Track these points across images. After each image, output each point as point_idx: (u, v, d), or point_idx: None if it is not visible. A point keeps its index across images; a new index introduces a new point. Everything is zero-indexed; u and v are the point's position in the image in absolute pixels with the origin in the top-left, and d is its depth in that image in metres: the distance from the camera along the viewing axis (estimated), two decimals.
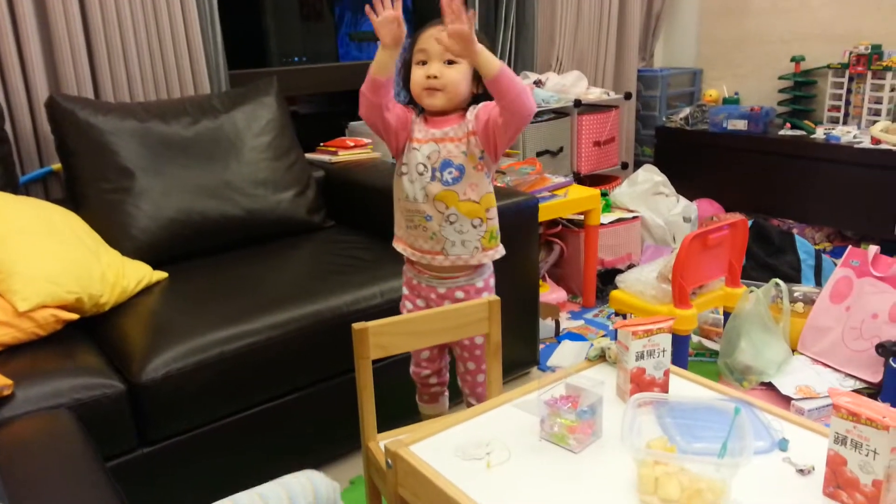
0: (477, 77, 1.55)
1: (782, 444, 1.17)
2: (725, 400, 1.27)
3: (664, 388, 1.31)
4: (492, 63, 1.44)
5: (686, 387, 1.38)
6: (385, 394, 1.57)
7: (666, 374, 1.31)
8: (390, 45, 1.48)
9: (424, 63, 1.56)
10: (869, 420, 0.99)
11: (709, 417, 1.18)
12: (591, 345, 2.69)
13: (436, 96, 1.56)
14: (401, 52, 1.55)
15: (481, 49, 1.43)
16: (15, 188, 2.11)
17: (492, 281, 1.72)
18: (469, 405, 1.79)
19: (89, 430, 1.43)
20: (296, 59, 3.72)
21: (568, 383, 1.24)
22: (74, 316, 1.75)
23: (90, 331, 1.81)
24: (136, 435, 1.63)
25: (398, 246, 1.71)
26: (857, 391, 2.23)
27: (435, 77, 1.54)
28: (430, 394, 1.83)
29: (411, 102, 1.65)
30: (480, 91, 1.58)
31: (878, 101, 3.56)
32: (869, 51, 3.53)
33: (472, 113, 1.57)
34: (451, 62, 1.54)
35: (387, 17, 1.48)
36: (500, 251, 1.69)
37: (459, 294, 1.66)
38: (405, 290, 1.76)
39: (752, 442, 1.05)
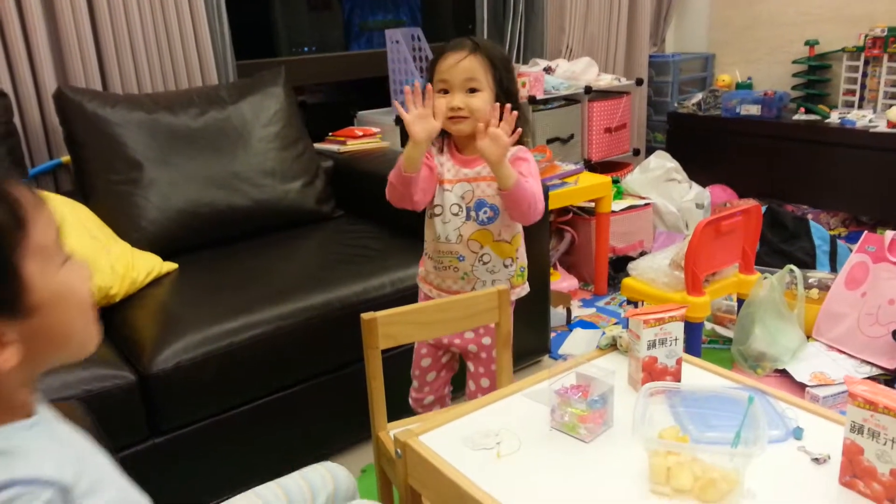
0: (498, 99, 1.55)
1: (797, 433, 1.15)
2: (739, 388, 1.26)
3: (676, 376, 1.30)
4: (510, 177, 1.46)
5: (699, 375, 1.36)
6: (395, 383, 1.57)
7: (678, 362, 1.29)
8: (423, 142, 1.48)
9: (446, 91, 1.55)
10: (886, 409, 0.97)
11: (722, 406, 1.16)
12: (603, 333, 2.67)
13: (462, 122, 1.55)
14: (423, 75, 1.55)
15: (507, 163, 1.46)
16: (24, 181, 2.11)
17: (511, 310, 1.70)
18: None
19: (100, 421, 1.43)
20: (304, 48, 3.71)
21: (579, 372, 1.23)
22: None
23: (100, 322, 1.81)
24: (148, 426, 1.63)
25: (423, 286, 1.71)
26: (872, 378, 2.20)
27: (459, 108, 1.54)
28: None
29: None
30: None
31: (895, 84, 3.50)
32: (885, 33, 3.47)
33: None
34: (472, 90, 1.54)
35: (419, 113, 1.48)
36: (525, 288, 1.70)
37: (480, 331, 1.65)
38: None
39: (766, 431, 1.04)
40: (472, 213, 1.58)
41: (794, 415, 1.21)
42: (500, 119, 1.46)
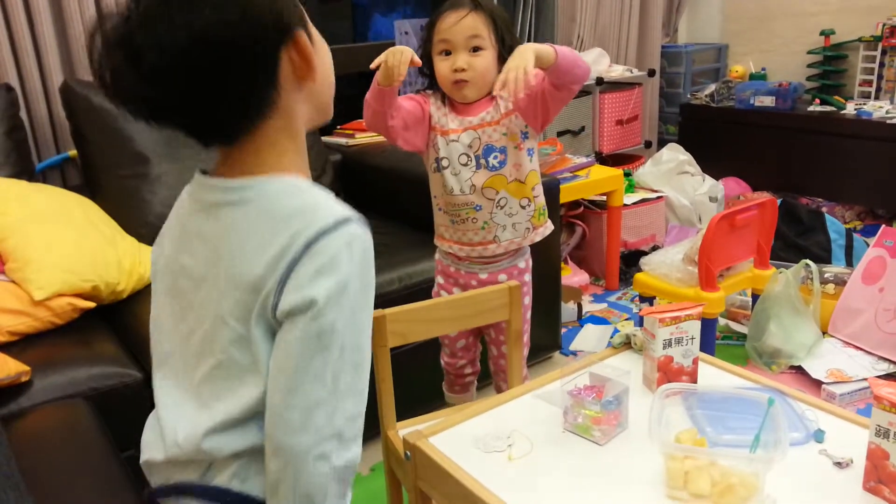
0: (501, 58, 1.50)
1: (818, 436, 1.12)
2: (758, 389, 1.22)
3: (693, 376, 1.27)
4: (547, 55, 1.38)
5: (716, 375, 1.33)
6: (405, 381, 1.54)
7: (695, 362, 1.26)
8: (400, 51, 1.40)
9: (448, 53, 1.50)
10: None
11: (740, 408, 1.13)
12: (615, 329, 2.64)
13: (466, 87, 1.51)
14: (420, 41, 1.51)
15: (535, 51, 1.36)
16: (31, 175, 2.10)
17: (531, 262, 1.68)
18: (499, 388, 1.76)
19: (106, 420, 1.42)
20: None
21: (592, 372, 1.20)
22: (91, 304, 1.74)
23: (107, 319, 1.80)
24: None
25: (443, 245, 1.66)
26: (890, 375, 2.16)
27: (463, 70, 1.49)
28: (463, 384, 1.79)
29: (429, 87, 1.60)
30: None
31: None
32: None
33: None
34: (475, 48, 1.49)
35: (403, 58, 1.39)
36: (549, 227, 1.66)
37: (503, 277, 1.62)
38: (440, 279, 1.71)
39: (787, 434, 1.00)
40: (482, 161, 1.54)
41: (815, 416, 1.18)
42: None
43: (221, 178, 0.81)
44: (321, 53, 0.83)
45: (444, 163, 1.56)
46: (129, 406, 1.56)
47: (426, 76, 1.58)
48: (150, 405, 1.59)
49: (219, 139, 0.80)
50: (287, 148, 0.81)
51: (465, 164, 1.54)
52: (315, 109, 0.85)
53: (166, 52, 0.70)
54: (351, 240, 0.74)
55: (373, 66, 1.42)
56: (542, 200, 1.62)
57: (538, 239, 1.63)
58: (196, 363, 0.82)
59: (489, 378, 1.82)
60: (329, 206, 0.76)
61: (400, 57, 1.39)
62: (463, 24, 1.47)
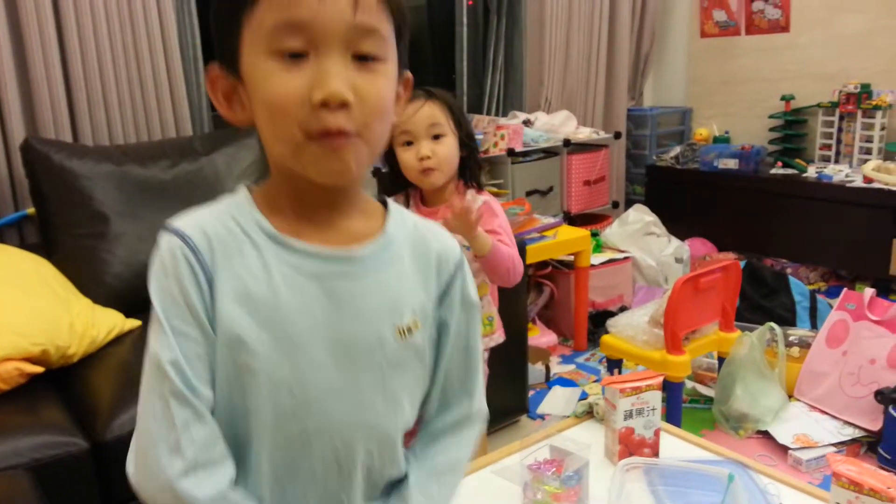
0: (462, 143, 1.54)
1: None
2: (719, 462, 1.20)
3: (654, 448, 1.24)
4: (486, 244, 1.47)
5: (678, 446, 1.31)
6: None
7: (656, 433, 1.24)
8: None
9: (410, 143, 1.53)
10: (872, 490, 0.92)
11: (701, 484, 1.11)
12: (584, 392, 2.61)
13: (432, 175, 1.53)
14: None
15: (479, 232, 1.46)
16: None
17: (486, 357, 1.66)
18: None
19: (49, 493, 1.35)
20: None
21: (552, 445, 1.17)
22: (40, 369, 1.67)
23: (57, 384, 1.73)
24: (100, 497, 1.54)
25: None
26: (856, 440, 2.16)
27: (428, 157, 1.51)
28: None
29: (393, 190, 1.62)
30: (465, 154, 1.57)
31: (869, 139, 3.53)
32: (858, 90, 3.52)
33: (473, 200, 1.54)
34: (436, 136, 1.52)
35: None
36: (494, 339, 1.67)
37: None
38: None
39: None
40: None
41: (777, 490, 1.16)
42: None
43: None
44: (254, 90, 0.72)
45: None
46: (73, 477, 1.49)
47: (390, 171, 1.61)
48: (95, 475, 1.53)
49: None
50: None
51: None
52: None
53: None
54: (157, 247, 0.74)
55: None
56: (490, 310, 1.64)
57: (483, 349, 1.62)
58: None
59: None
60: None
61: None
62: (422, 114, 1.50)
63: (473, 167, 1.61)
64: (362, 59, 0.70)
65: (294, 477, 0.77)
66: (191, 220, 0.75)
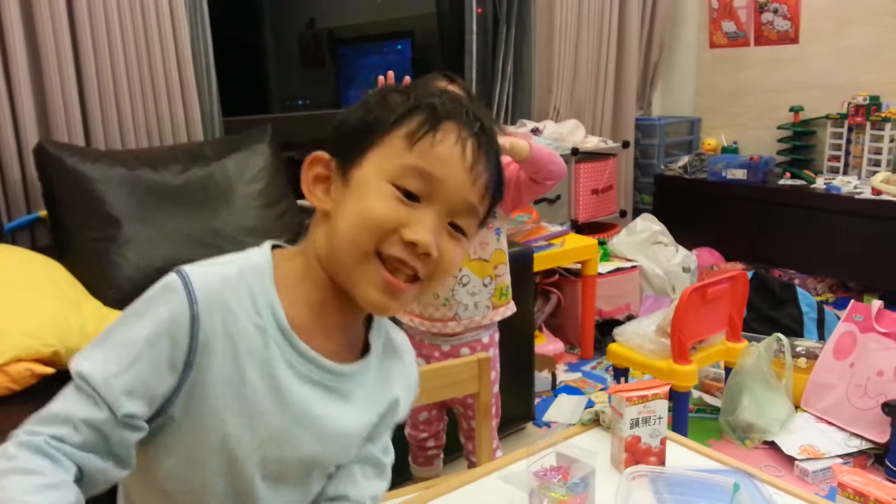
0: None
1: None
2: (725, 472, 1.20)
3: (661, 457, 1.24)
4: (523, 148, 1.47)
5: (684, 455, 1.31)
6: None
7: (662, 442, 1.24)
8: None
9: None
10: (878, 502, 0.92)
11: (707, 493, 1.11)
12: (590, 401, 2.62)
13: None
14: None
15: (510, 144, 1.45)
16: (0, 235, 2.07)
17: (496, 336, 1.67)
18: (471, 463, 1.72)
19: None
20: (299, 102, 3.73)
21: (559, 452, 1.17)
22: (50, 370, 1.69)
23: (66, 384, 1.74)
24: (110, 497, 1.55)
25: (406, 319, 1.66)
26: (863, 452, 2.15)
27: None
28: (426, 457, 1.75)
29: None
30: None
31: (878, 151, 3.53)
32: (867, 102, 3.52)
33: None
34: None
35: None
36: (510, 308, 1.66)
37: (465, 351, 1.61)
38: None
39: None
40: None
41: (782, 500, 1.16)
42: None
43: None
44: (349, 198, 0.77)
45: None
46: None
47: None
48: None
49: None
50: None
51: None
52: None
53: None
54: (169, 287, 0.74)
55: None
56: (505, 280, 1.63)
57: (498, 318, 1.63)
58: None
59: (459, 450, 1.79)
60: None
61: None
62: None
63: None
64: (454, 227, 0.77)
65: None
66: (209, 281, 0.75)
